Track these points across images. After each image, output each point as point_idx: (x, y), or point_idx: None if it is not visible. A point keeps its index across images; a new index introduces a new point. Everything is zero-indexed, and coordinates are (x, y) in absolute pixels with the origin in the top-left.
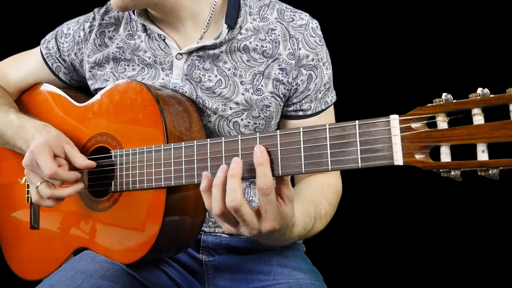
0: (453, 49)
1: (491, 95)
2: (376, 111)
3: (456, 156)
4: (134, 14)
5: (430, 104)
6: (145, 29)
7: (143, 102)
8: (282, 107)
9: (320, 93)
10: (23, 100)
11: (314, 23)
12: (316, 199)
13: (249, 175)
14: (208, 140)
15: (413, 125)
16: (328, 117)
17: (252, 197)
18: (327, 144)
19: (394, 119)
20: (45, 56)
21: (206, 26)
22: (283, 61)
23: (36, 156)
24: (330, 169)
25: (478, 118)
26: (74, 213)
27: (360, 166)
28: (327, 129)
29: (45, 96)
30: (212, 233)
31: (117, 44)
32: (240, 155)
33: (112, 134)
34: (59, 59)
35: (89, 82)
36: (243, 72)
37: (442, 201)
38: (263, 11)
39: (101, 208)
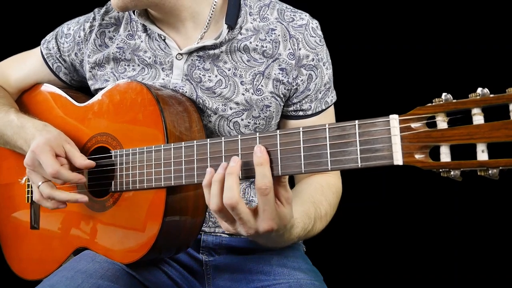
0: (453, 49)
1: (491, 95)
2: (376, 111)
3: (456, 156)
4: (134, 14)
5: (430, 104)
6: (145, 29)
7: (143, 102)
8: (282, 107)
9: (320, 93)
10: (24, 100)
11: (314, 23)
12: (316, 199)
13: (248, 174)
14: (208, 140)
15: (413, 125)
16: (328, 117)
17: (252, 197)
18: (326, 144)
19: (394, 119)
20: (45, 57)
21: (206, 26)
22: (283, 61)
23: (38, 156)
24: (330, 169)
25: (478, 118)
26: (74, 213)
27: (360, 166)
28: (327, 129)
29: (46, 96)
30: (212, 233)
31: (117, 44)
32: (240, 155)
33: (112, 134)
34: (60, 59)
35: (90, 82)
36: (243, 72)
37: (442, 201)
38: (263, 11)
39: (101, 208)
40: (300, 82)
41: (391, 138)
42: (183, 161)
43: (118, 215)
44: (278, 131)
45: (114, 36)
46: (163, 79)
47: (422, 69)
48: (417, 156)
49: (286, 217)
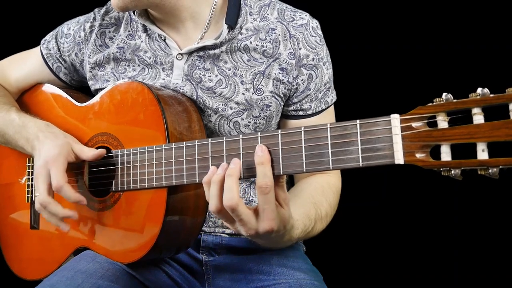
0: (453, 49)
1: (491, 95)
2: (377, 110)
3: (456, 155)
4: (134, 15)
5: (430, 104)
6: (145, 30)
7: (144, 102)
8: (282, 106)
9: (320, 93)
10: (24, 99)
11: (315, 23)
12: (317, 200)
13: (249, 174)
14: (210, 139)
15: (414, 125)
16: (328, 117)
17: (252, 197)
18: (328, 143)
19: (395, 118)
20: (45, 57)
21: (207, 26)
22: (283, 60)
23: (50, 166)
24: (331, 168)
25: (478, 118)
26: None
27: (361, 165)
28: (328, 129)
29: (46, 96)
30: (212, 233)
31: (117, 45)
32: (241, 154)
33: (113, 134)
34: (60, 59)
35: (90, 83)
36: (244, 72)
37: (442, 201)
38: (264, 11)
39: (102, 208)
40: (300, 82)
41: (392, 137)
42: (185, 160)
43: (119, 215)
44: (279, 130)
45: (114, 36)
46: (164, 79)
47: (422, 69)
48: (418, 155)
49: (285, 217)
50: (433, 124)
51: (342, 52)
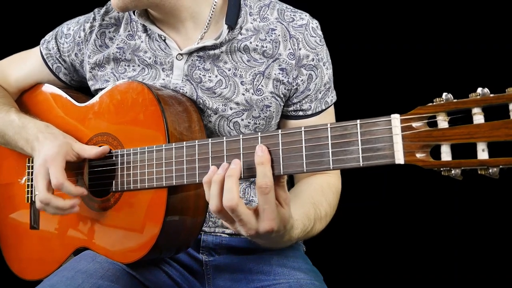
0: (453, 49)
1: (491, 95)
2: (377, 110)
3: (456, 155)
4: (134, 15)
5: (430, 104)
6: (145, 30)
7: (144, 102)
8: (282, 107)
9: (320, 93)
10: (24, 100)
11: (315, 23)
12: (316, 200)
13: (250, 174)
14: (210, 139)
15: (414, 124)
16: (328, 117)
17: (252, 197)
18: (328, 143)
19: (395, 118)
20: (45, 57)
21: (207, 27)
22: (283, 61)
23: (49, 164)
24: (331, 168)
25: (478, 118)
26: (74, 213)
27: (361, 165)
28: (329, 129)
29: (46, 96)
30: (212, 233)
31: (117, 45)
32: (241, 154)
33: (113, 134)
34: (59, 59)
35: (90, 83)
36: (244, 72)
37: (442, 201)
38: (263, 11)
39: (102, 208)
40: (300, 82)
41: (393, 137)
42: (185, 160)
43: (119, 215)
44: (279, 130)
45: (114, 36)
46: (163, 79)
47: (422, 69)
48: (418, 155)
49: (285, 217)
50: (433, 124)
51: (342, 52)
